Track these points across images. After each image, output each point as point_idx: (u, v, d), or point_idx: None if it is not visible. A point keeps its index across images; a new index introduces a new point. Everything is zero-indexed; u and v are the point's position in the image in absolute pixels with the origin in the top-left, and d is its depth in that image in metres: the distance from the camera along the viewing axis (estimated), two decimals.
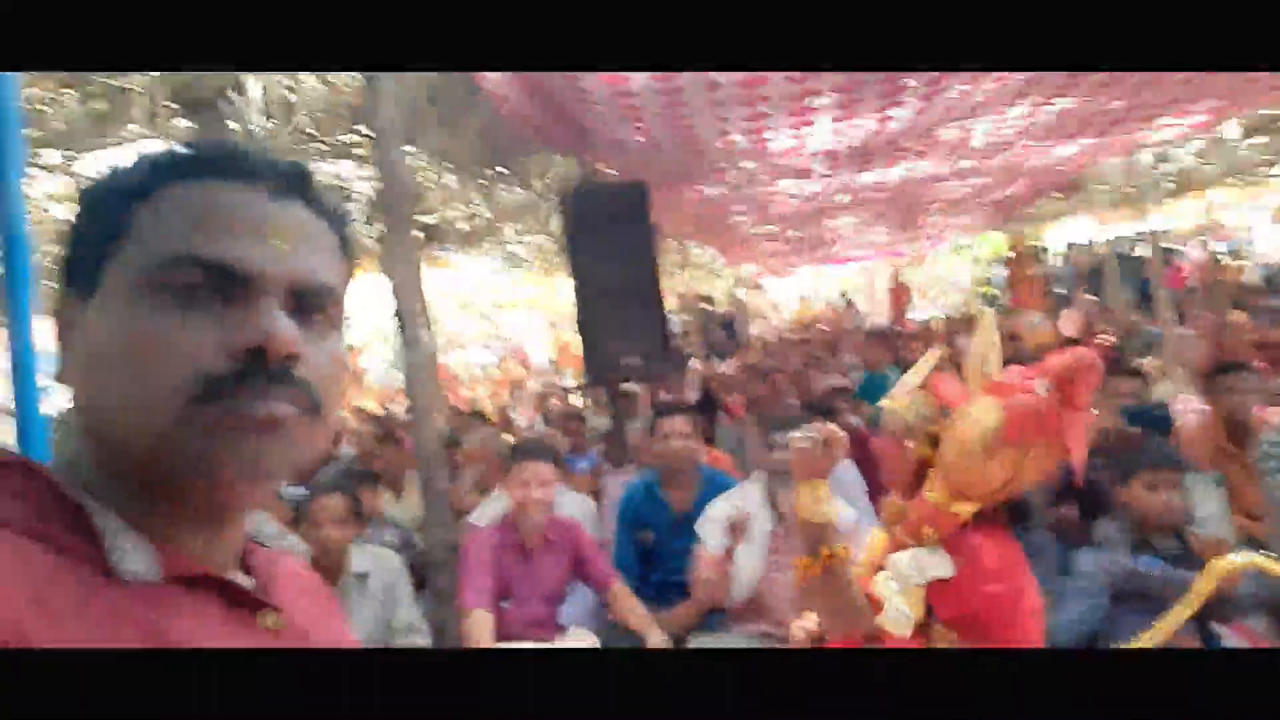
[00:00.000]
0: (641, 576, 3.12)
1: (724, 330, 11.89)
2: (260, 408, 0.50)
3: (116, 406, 0.51)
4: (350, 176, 6.17)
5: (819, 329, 11.69)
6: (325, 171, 5.94)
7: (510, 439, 4.60)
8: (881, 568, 1.65)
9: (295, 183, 0.57)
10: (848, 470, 3.20)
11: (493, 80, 3.79)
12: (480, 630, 2.51)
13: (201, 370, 0.50)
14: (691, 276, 11.51)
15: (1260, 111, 5.88)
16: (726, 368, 7.55)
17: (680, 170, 5.11)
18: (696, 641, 2.74)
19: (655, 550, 3.14)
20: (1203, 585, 1.71)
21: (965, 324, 9.15)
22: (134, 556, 0.50)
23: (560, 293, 9.94)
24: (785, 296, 16.92)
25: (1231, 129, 6.52)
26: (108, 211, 0.54)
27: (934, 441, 1.57)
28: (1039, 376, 1.43)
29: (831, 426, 1.62)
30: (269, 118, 4.37)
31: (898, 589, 1.54)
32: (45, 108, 3.93)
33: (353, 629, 2.98)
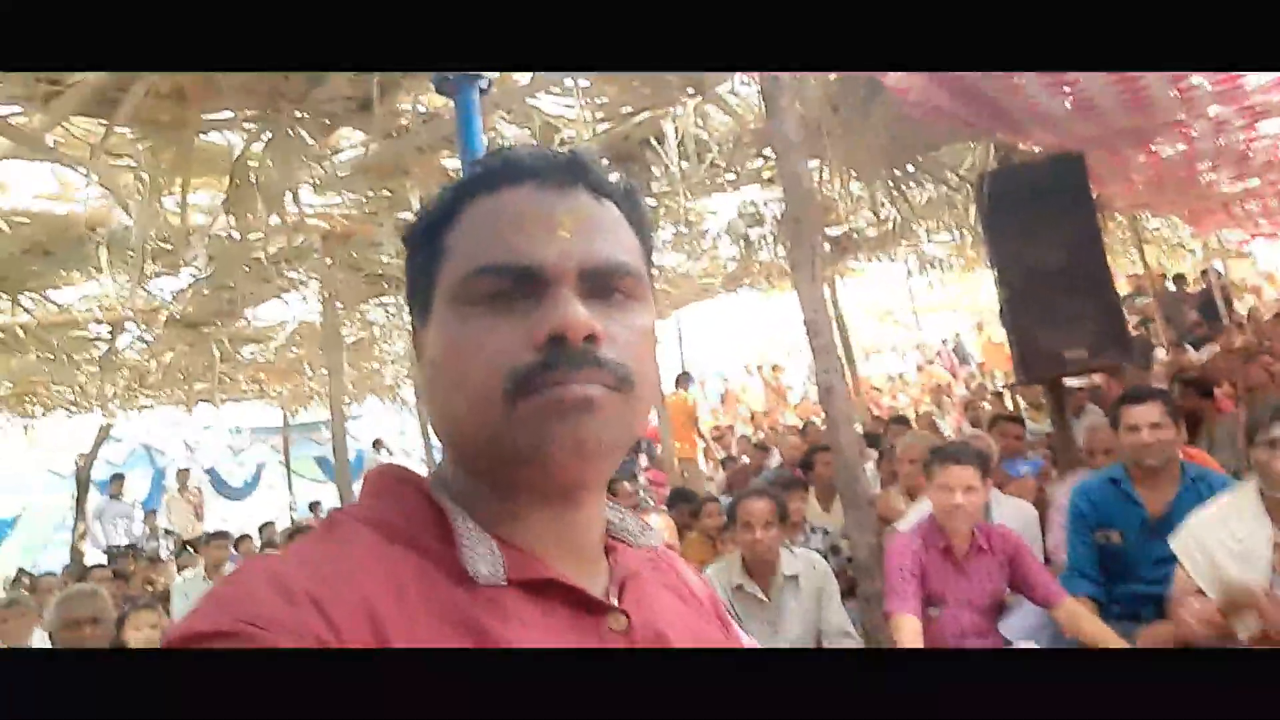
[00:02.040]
0: (1104, 584, 2.74)
1: (1198, 312, 9.93)
2: (570, 391, 0.53)
3: (452, 414, 0.56)
4: (760, 200, 6.49)
5: None
6: (736, 199, 6.32)
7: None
8: None
9: (573, 171, 0.59)
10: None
11: (895, 75, 3.67)
12: (907, 635, 2.41)
13: (511, 366, 0.53)
14: (1149, 253, 9.84)
15: None
16: (1203, 354, 6.34)
17: (1124, 132, 4.42)
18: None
19: (1123, 555, 2.73)
20: None
21: None
22: (483, 560, 0.54)
23: (984, 289, 9.21)
24: None
25: None
26: (426, 243, 0.60)
27: None
28: None
29: None
30: (685, 159, 4.78)
31: None
32: None
33: (787, 630, 3.05)
